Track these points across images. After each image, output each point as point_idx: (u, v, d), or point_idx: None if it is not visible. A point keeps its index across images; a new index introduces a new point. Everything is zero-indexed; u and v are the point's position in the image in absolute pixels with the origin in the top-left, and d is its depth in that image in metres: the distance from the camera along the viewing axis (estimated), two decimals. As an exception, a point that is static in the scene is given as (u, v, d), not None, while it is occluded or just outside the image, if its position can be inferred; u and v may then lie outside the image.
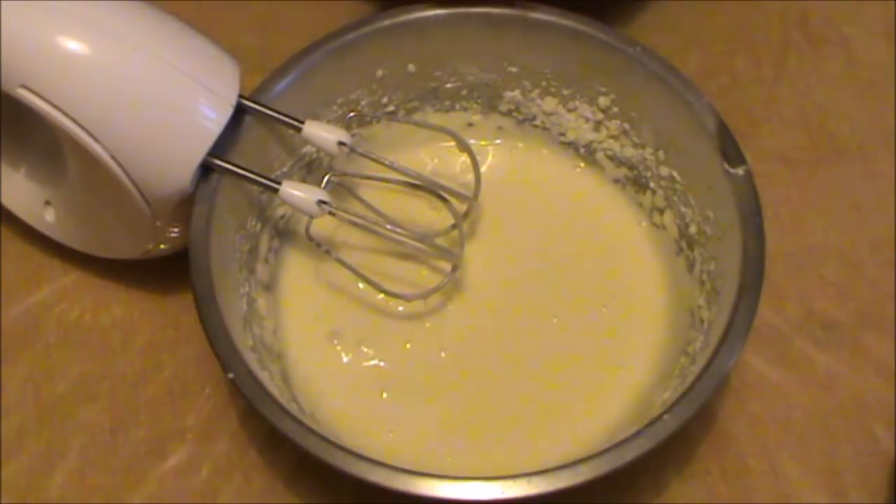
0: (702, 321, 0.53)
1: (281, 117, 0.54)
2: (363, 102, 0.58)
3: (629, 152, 0.58)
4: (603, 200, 0.59)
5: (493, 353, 0.56)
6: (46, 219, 0.58)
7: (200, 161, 0.52)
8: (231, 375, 0.49)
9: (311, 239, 0.55)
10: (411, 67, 0.58)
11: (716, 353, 0.49)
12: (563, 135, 0.60)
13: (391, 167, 0.56)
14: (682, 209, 0.56)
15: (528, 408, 0.54)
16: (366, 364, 0.55)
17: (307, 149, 0.57)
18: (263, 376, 0.50)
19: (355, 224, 0.58)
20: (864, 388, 0.56)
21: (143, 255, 0.56)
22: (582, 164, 0.60)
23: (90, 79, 0.50)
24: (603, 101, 0.58)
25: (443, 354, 0.55)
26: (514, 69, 0.59)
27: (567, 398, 0.54)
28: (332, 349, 0.56)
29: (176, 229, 0.54)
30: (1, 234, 0.60)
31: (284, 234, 0.58)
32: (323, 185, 0.55)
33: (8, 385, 0.56)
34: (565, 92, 0.59)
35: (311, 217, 0.54)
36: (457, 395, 0.54)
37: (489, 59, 0.58)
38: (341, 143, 0.54)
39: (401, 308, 0.56)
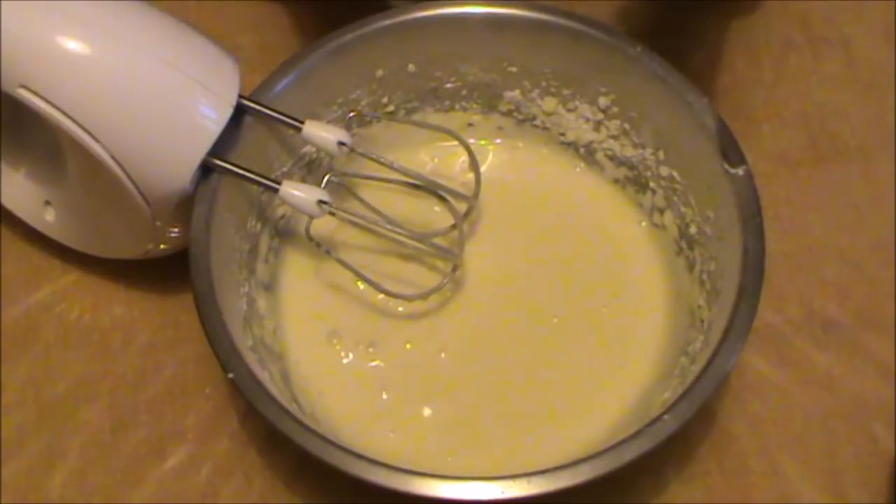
0: (702, 321, 0.53)
1: (281, 117, 0.54)
2: (363, 102, 0.58)
3: (629, 152, 0.58)
4: (603, 200, 0.59)
5: (493, 353, 0.56)
6: (46, 219, 0.58)
7: (200, 161, 0.52)
8: (231, 375, 0.49)
9: (311, 239, 0.56)
10: (411, 67, 0.58)
11: (716, 353, 0.49)
12: (563, 135, 0.60)
13: (391, 167, 0.56)
14: (682, 209, 0.56)
15: (528, 408, 0.54)
16: (366, 364, 0.55)
17: (307, 149, 0.57)
18: (263, 376, 0.50)
19: (355, 224, 0.58)
20: (864, 388, 0.56)
21: (143, 255, 0.56)
22: (582, 164, 0.60)
23: (90, 79, 0.50)
24: (603, 101, 0.58)
25: (443, 355, 0.56)
26: (514, 69, 0.59)
27: (567, 398, 0.54)
28: (332, 349, 0.56)
29: (176, 229, 0.54)
30: (1, 234, 0.60)
31: (284, 234, 0.58)
32: (323, 185, 0.55)
33: (8, 385, 0.56)
34: (565, 92, 0.59)
35: (311, 217, 0.54)
36: (457, 395, 0.54)
37: (489, 59, 0.58)
38: (341, 143, 0.54)
39: (401, 308, 0.56)
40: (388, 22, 0.57)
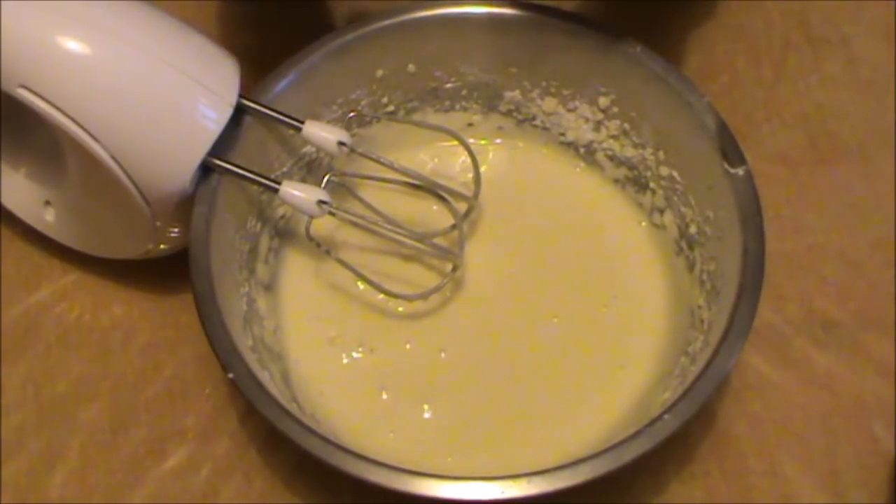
0: (702, 321, 0.53)
1: (281, 117, 0.54)
2: (363, 102, 0.58)
3: (629, 152, 0.58)
4: (603, 200, 0.59)
5: (492, 353, 0.56)
6: (46, 219, 0.58)
7: (200, 161, 0.52)
8: (231, 375, 0.49)
9: (311, 239, 0.56)
10: (411, 67, 0.58)
11: (716, 353, 0.49)
12: (563, 135, 0.60)
13: (391, 167, 0.56)
14: (682, 209, 0.56)
15: (528, 408, 0.54)
16: (366, 364, 0.55)
17: (307, 149, 0.57)
18: (263, 376, 0.50)
19: (355, 224, 0.58)
20: (864, 388, 0.56)
21: (143, 255, 0.56)
22: (582, 164, 0.60)
23: (90, 79, 0.50)
24: (603, 101, 0.58)
25: (443, 355, 0.56)
26: (514, 69, 0.59)
27: (567, 398, 0.54)
28: (332, 349, 0.56)
29: (176, 229, 0.54)
30: (1, 234, 0.60)
31: (284, 234, 0.58)
32: (323, 185, 0.55)
33: (8, 385, 0.56)
34: (565, 92, 0.59)
35: (311, 217, 0.54)
36: (457, 395, 0.54)
37: (489, 59, 0.58)
38: (341, 143, 0.54)
39: (401, 308, 0.56)
40: (388, 22, 0.57)
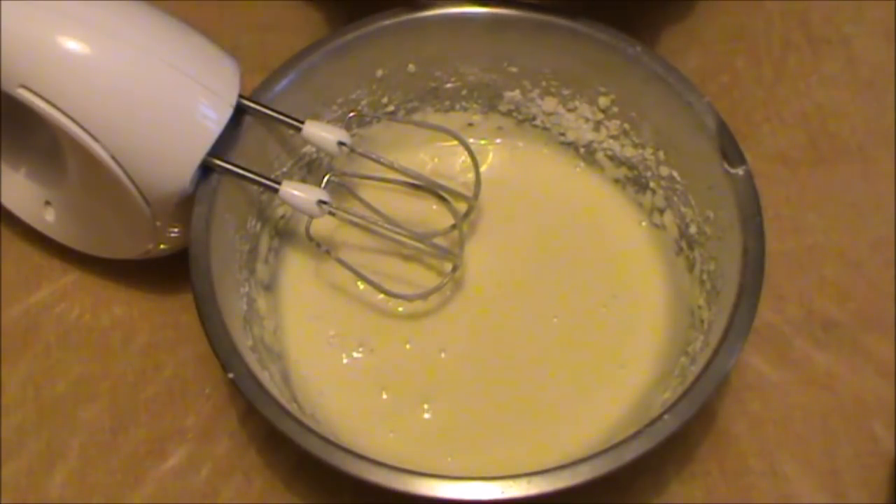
0: (702, 321, 0.53)
1: (281, 117, 0.54)
2: (363, 102, 0.58)
3: (629, 152, 0.58)
4: (603, 200, 0.59)
5: (492, 353, 0.56)
6: (46, 219, 0.58)
7: (200, 161, 0.52)
8: (231, 375, 0.49)
9: (311, 239, 0.56)
10: (411, 67, 0.58)
11: (716, 353, 0.49)
12: (563, 135, 0.60)
13: (391, 167, 0.56)
14: (682, 209, 0.56)
15: (529, 408, 0.54)
16: (366, 364, 0.55)
17: (307, 149, 0.57)
18: (263, 376, 0.50)
19: (355, 224, 0.58)
20: (864, 388, 0.56)
21: (143, 255, 0.56)
22: (582, 164, 0.60)
23: (90, 79, 0.50)
24: (603, 101, 0.58)
25: (443, 355, 0.56)
26: (514, 69, 0.59)
27: (567, 398, 0.54)
28: (332, 349, 0.56)
29: (176, 229, 0.54)
30: (1, 234, 0.60)
31: (284, 234, 0.58)
32: (323, 185, 0.55)
33: (8, 385, 0.56)
34: (565, 92, 0.59)
35: (311, 217, 0.54)
36: (457, 395, 0.54)
37: (489, 59, 0.58)
38: (341, 143, 0.54)
39: (401, 308, 0.56)
40: (388, 22, 0.57)
